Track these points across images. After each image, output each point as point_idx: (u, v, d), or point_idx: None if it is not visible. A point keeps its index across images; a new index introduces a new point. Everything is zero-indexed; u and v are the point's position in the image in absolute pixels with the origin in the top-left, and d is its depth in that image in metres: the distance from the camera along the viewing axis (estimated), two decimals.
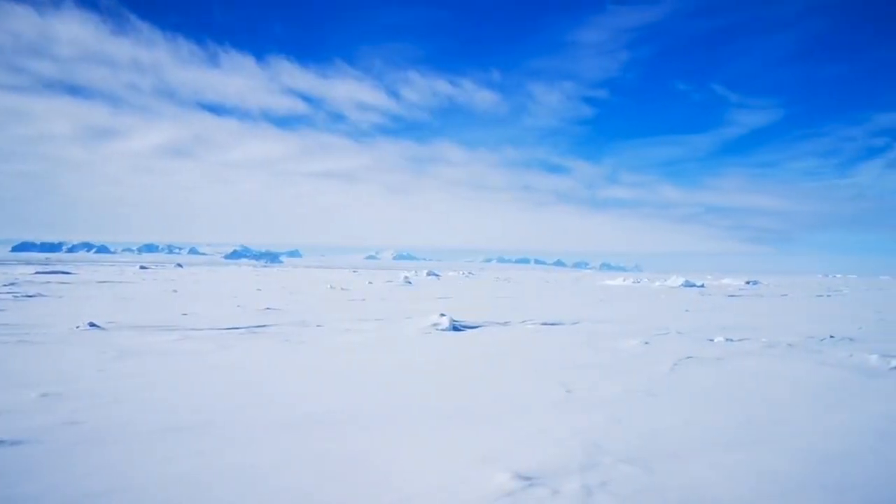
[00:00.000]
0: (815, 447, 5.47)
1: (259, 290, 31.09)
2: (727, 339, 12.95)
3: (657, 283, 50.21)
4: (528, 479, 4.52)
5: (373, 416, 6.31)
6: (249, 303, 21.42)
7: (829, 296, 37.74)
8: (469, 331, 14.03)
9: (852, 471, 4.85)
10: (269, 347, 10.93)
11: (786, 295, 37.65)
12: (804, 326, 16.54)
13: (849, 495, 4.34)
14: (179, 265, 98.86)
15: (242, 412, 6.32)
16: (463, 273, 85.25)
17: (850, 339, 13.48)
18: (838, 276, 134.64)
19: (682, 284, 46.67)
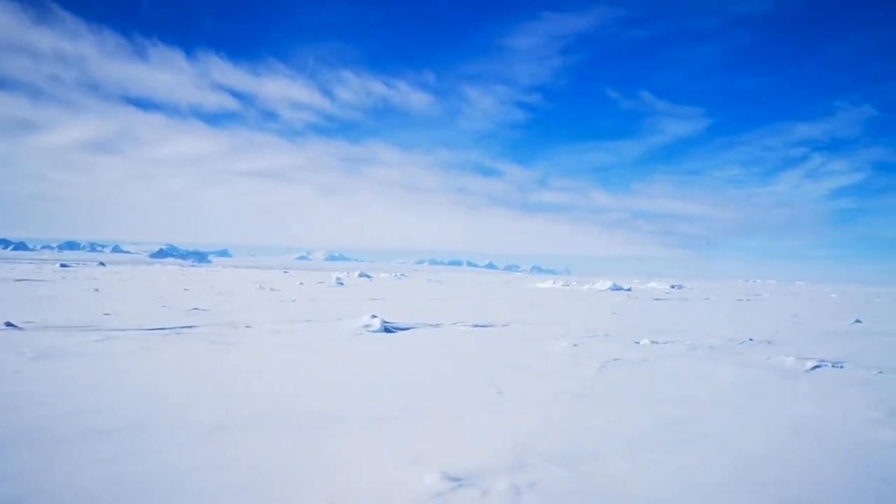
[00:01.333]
0: (736, 446, 5.67)
1: (186, 289, 30.34)
2: (653, 342, 13.29)
3: (586, 287, 51.14)
4: (457, 479, 4.55)
5: (303, 417, 6.23)
6: (176, 303, 20.87)
7: (749, 300, 39.16)
8: (401, 332, 14.02)
9: (770, 469, 5.05)
10: (196, 349, 10.67)
11: (708, 299, 38.91)
12: (725, 329, 17.12)
13: (767, 493, 4.52)
14: (102, 264, 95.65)
15: (169, 415, 6.15)
16: (395, 274, 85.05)
17: (769, 342, 14.02)
18: (758, 281, 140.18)
19: (609, 288, 47.65)
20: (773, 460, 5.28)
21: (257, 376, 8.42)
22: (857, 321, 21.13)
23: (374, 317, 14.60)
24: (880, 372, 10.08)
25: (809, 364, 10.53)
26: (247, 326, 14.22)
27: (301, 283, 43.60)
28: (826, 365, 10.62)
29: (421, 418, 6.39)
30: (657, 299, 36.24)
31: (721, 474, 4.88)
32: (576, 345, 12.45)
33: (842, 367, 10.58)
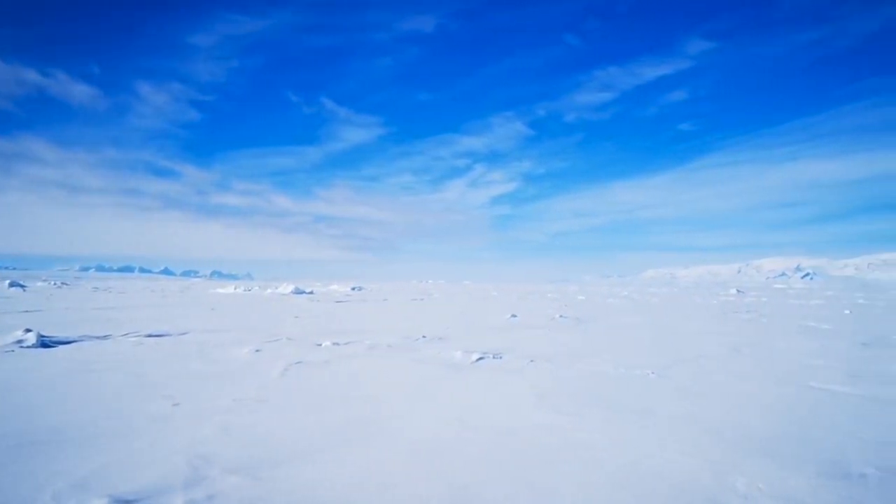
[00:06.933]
0: (413, 438, 5.97)
1: None
2: (334, 343, 13.52)
3: (268, 291, 50.55)
4: (128, 502, 4.17)
5: None
6: None
7: (422, 299, 41.79)
8: (62, 346, 12.53)
9: (444, 457, 5.39)
10: None
11: (386, 299, 40.76)
12: (402, 328, 18.03)
13: (441, 480, 4.81)
14: None
15: None
16: (55, 283, 76.04)
17: (440, 338, 15.05)
18: (431, 281, 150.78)
19: (292, 291, 47.69)
20: (446, 448, 5.66)
21: None
22: (513, 316, 23.69)
23: (28, 331, 12.86)
24: (531, 360, 11.36)
25: (475, 356, 11.53)
26: None
27: None
28: (488, 357, 11.68)
29: (85, 439, 5.75)
30: (338, 301, 37.06)
31: (400, 467, 5.10)
32: (258, 350, 12.21)
33: (501, 357, 11.72)
